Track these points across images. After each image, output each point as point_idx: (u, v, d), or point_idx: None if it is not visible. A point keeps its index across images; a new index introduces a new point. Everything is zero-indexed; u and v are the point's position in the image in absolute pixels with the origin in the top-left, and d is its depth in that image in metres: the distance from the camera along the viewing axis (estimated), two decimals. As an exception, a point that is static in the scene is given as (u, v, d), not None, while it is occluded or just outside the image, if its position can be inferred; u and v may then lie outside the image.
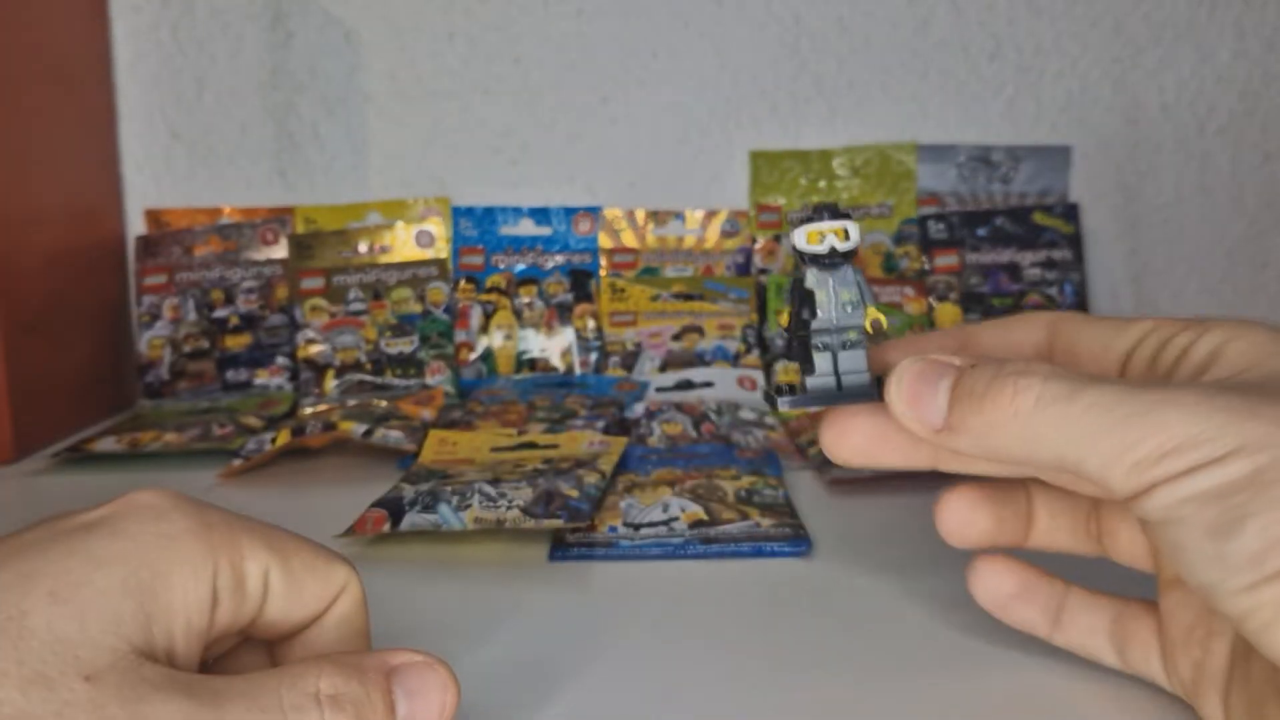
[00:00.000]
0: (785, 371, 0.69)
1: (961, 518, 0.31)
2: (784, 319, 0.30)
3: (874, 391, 0.30)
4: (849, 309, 0.29)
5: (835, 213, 0.29)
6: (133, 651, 0.23)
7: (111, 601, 0.23)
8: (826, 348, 0.29)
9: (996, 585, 0.31)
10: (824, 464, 0.53)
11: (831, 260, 0.29)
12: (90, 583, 0.23)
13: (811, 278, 0.29)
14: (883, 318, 0.29)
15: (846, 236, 0.29)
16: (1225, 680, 0.27)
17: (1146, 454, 0.23)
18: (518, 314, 0.73)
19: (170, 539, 0.24)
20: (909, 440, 0.29)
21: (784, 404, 0.30)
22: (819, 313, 0.29)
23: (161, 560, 0.24)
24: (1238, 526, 0.22)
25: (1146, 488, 0.24)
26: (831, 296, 0.29)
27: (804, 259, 0.29)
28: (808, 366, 0.30)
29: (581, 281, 0.73)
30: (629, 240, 0.75)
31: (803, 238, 0.29)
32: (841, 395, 0.29)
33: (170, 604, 0.24)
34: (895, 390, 0.28)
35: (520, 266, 0.74)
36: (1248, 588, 0.22)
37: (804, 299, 0.29)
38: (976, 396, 0.26)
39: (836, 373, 0.29)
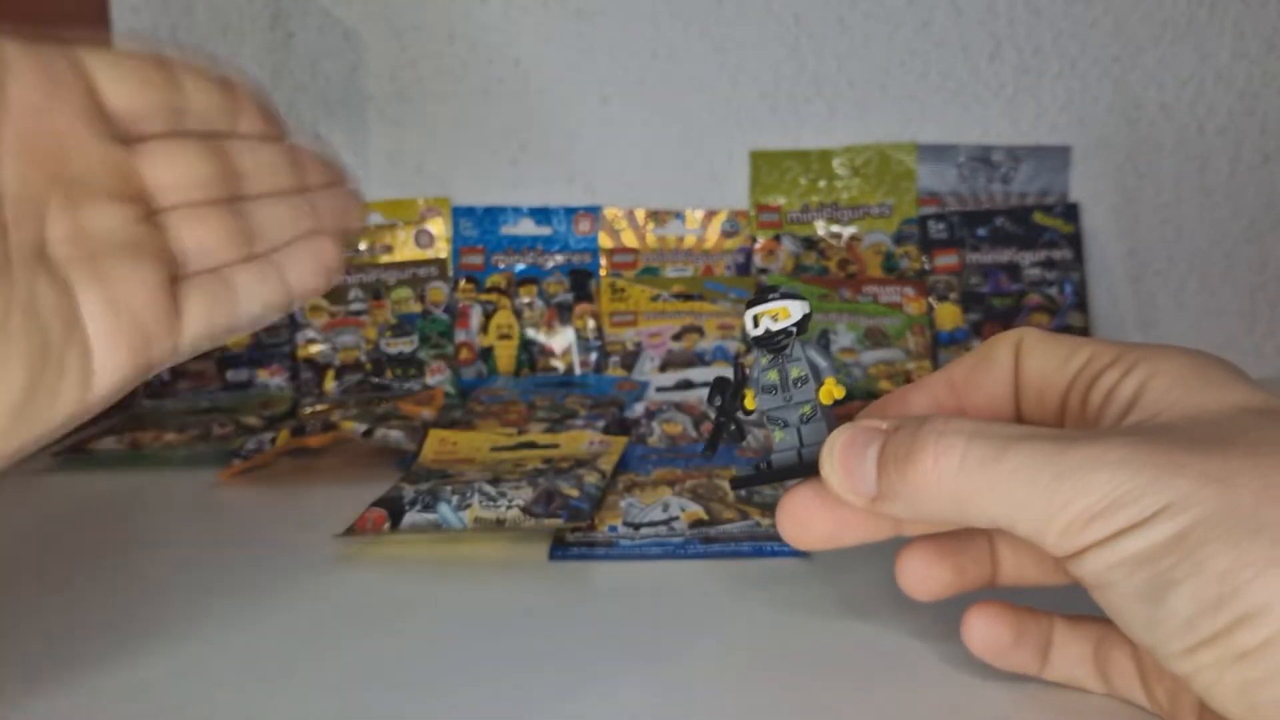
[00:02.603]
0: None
1: (920, 574, 0.30)
2: (748, 401, 0.30)
3: None
4: (800, 386, 0.29)
5: (781, 293, 0.29)
6: None
7: None
8: (787, 424, 0.30)
9: (994, 637, 0.31)
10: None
11: (773, 341, 0.29)
12: None
13: (764, 359, 0.30)
14: (838, 390, 0.29)
15: (786, 316, 0.29)
16: (1199, 705, 0.27)
17: (1074, 517, 0.23)
18: (518, 314, 0.73)
19: None
20: (867, 517, 0.29)
21: (740, 493, 0.30)
22: (774, 393, 0.30)
23: None
24: (1167, 592, 0.22)
25: (1078, 551, 0.24)
26: (783, 375, 0.30)
27: (753, 342, 0.30)
28: (708, 452, 0.30)
29: (581, 281, 0.73)
30: (629, 240, 0.75)
31: (749, 321, 0.30)
32: (801, 468, 0.29)
33: None
34: (828, 464, 0.27)
35: (520, 266, 0.74)
36: (1185, 652, 0.22)
37: (718, 386, 0.30)
38: (899, 461, 0.26)
39: (800, 447, 0.30)
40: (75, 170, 0.25)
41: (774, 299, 0.29)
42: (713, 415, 0.30)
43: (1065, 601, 0.31)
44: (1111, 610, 0.24)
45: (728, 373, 0.31)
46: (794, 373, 0.29)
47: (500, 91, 0.74)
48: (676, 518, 0.45)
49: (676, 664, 0.34)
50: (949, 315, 0.71)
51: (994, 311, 0.71)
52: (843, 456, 0.27)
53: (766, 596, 0.39)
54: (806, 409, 0.29)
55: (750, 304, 0.30)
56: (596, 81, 0.74)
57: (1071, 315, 0.71)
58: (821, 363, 0.29)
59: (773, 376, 0.30)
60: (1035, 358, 0.30)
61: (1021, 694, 0.31)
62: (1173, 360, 0.27)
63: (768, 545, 0.43)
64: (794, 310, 0.29)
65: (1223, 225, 0.75)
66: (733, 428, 0.30)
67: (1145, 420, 0.26)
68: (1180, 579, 0.22)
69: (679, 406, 0.63)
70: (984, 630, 0.31)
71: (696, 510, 0.46)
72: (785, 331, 0.29)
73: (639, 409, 0.63)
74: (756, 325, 0.30)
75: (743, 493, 0.30)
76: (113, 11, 0.73)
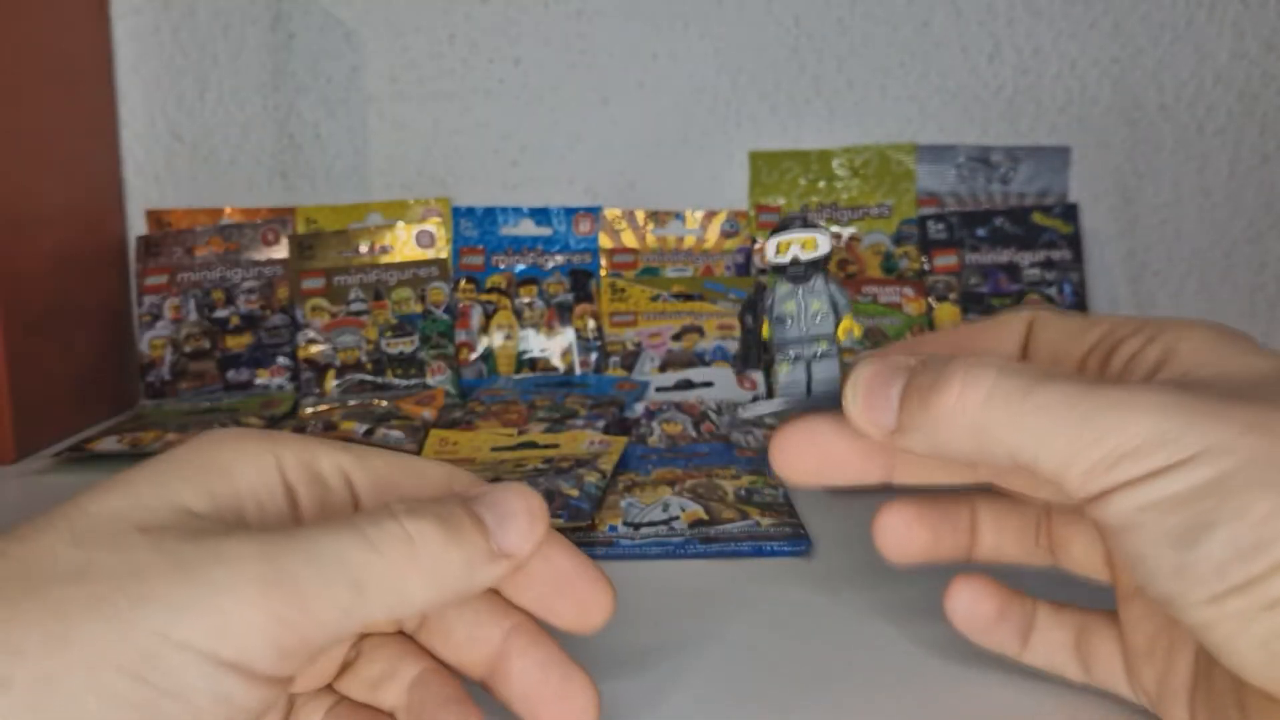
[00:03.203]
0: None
1: (898, 534, 0.30)
2: (764, 330, 0.30)
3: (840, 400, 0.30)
4: (818, 319, 0.29)
5: (805, 223, 0.29)
6: (195, 515, 0.22)
7: (169, 481, 0.23)
8: (799, 359, 0.29)
9: (977, 610, 0.30)
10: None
11: (797, 271, 0.29)
12: (148, 476, 0.23)
13: (782, 289, 0.29)
14: (857, 328, 0.29)
15: (815, 247, 0.29)
16: (1189, 691, 0.27)
17: (1104, 455, 0.22)
18: (518, 314, 0.73)
19: (232, 445, 0.24)
20: (860, 458, 0.29)
21: (744, 410, 0.30)
22: (788, 324, 0.29)
23: (220, 455, 0.24)
24: (1202, 535, 0.21)
25: (1104, 492, 0.23)
26: (801, 307, 0.29)
27: (774, 270, 0.29)
28: (744, 365, 0.30)
29: (582, 281, 0.74)
30: (629, 240, 0.75)
31: (772, 249, 0.29)
32: (809, 401, 0.29)
33: (234, 488, 0.23)
34: (851, 394, 0.27)
35: (520, 267, 0.74)
36: (1211, 599, 0.22)
37: (750, 307, 0.30)
38: (924, 391, 0.25)
39: (809, 382, 0.29)
40: None
41: (804, 229, 0.29)
42: (743, 333, 0.30)
43: (1044, 589, 0.31)
44: (1133, 555, 0.23)
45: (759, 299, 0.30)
46: (814, 306, 0.29)
47: (500, 91, 0.75)
48: (676, 518, 0.45)
49: (676, 664, 0.34)
50: (948, 316, 0.72)
51: (994, 312, 0.71)
52: (867, 387, 0.26)
53: (766, 596, 0.39)
54: (823, 344, 0.29)
55: (777, 230, 0.29)
56: (596, 81, 0.74)
57: (1071, 315, 0.71)
58: (842, 299, 0.29)
59: (790, 308, 0.29)
60: (1050, 330, 0.29)
61: (1024, 696, 0.31)
62: (1197, 329, 0.26)
63: (768, 545, 0.43)
64: (822, 243, 0.29)
65: (1222, 225, 0.75)
66: (763, 353, 0.30)
67: (1177, 376, 0.25)
68: (1217, 523, 0.21)
69: (679, 406, 0.63)
70: (968, 602, 0.30)
71: (696, 510, 0.46)
72: (814, 262, 0.29)
73: (639, 409, 0.63)
74: (781, 253, 0.29)
75: (745, 408, 0.30)
76: (112, 11, 0.73)
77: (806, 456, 0.29)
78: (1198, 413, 0.22)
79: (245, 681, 0.21)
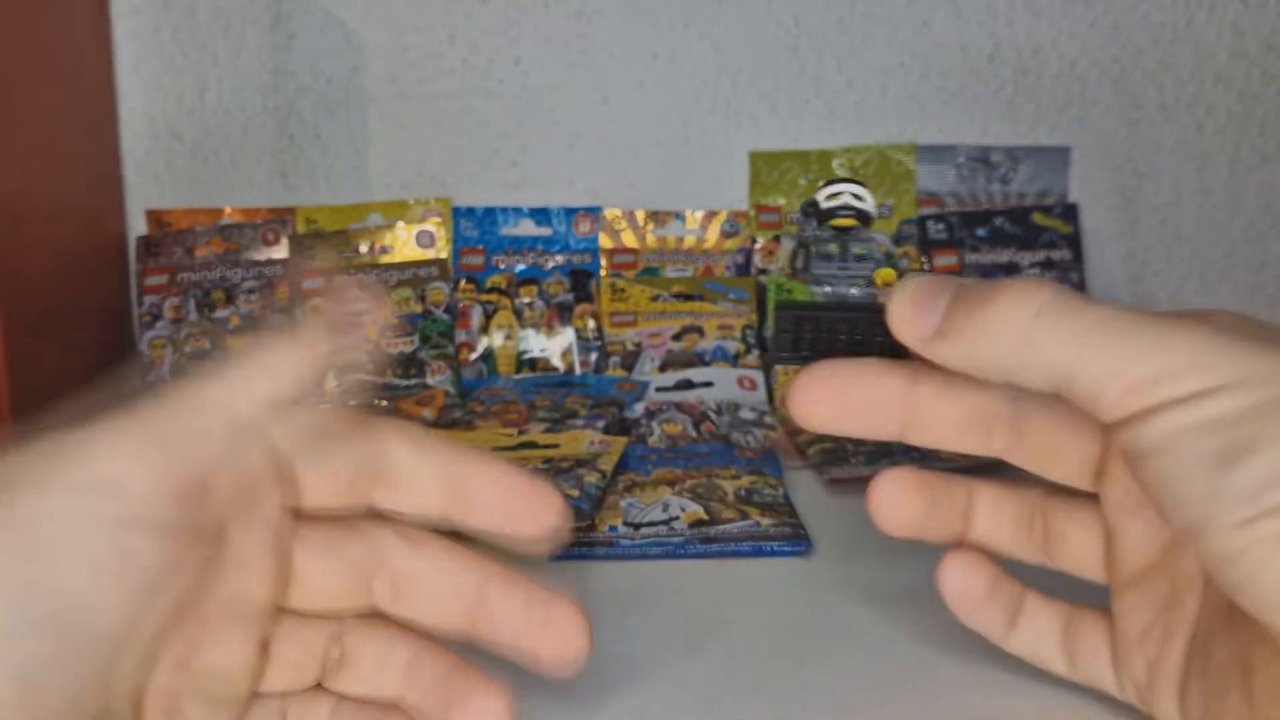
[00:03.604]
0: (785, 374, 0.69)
1: (895, 499, 0.30)
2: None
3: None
4: (859, 262, 0.29)
5: (856, 184, 0.30)
6: None
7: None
8: (835, 290, 0.30)
9: (969, 580, 0.30)
10: (824, 464, 0.53)
11: (849, 213, 0.29)
12: None
13: (827, 232, 0.30)
14: (894, 276, 0.29)
15: (865, 200, 0.30)
16: (1182, 676, 0.27)
17: (1146, 374, 0.23)
18: (518, 314, 0.73)
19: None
20: (880, 407, 0.29)
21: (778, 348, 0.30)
22: (831, 260, 0.30)
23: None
24: (1242, 457, 0.21)
25: (1141, 411, 0.23)
26: (844, 248, 0.30)
27: (824, 215, 0.30)
28: (798, 275, 0.31)
29: (581, 281, 0.74)
30: (629, 240, 0.75)
31: (824, 194, 0.30)
32: (854, 305, 0.29)
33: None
34: (899, 295, 0.27)
35: (520, 267, 0.74)
36: (1242, 523, 0.21)
37: (808, 210, 0.30)
38: (977, 298, 0.25)
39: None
40: None
41: (855, 185, 0.30)
42: (800, 238, 0.30)
43: (1035, 583, 0.31)
44: (1164, 480, 0.23)
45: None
46: (857, 249, 0.29)
47: (500, 91, 0.75)
48: (676, 518, 0.45)
49: (676, 664, 0.34)
50: (948, 315, 0.72)
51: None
52: (916, 289, 0.26)
53: (766, 596, 0.39)
54: (862, 282, 0.29)
55: (830, 182, 0.30)
56: (596, 81, 0.74)
57: (1071, 315, 0.71)
58: (886, 249, 0.30)
59: (833, 248, 0.30)
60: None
61: (1024, 696, 0.31)
62: (1219, 313, 0.26)
63: (768, 545, 0.43)
64: (868, 199, 0.30)
65: (1222, 225, 0.75)
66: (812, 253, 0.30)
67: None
68: (1255, 448, 0.21)
69: (679, 406, 0.63)
70: (960, 576, 0.30)
71: (696, 510, 0.46)
72: (865, 213, 0.29)
73: (639, 409, 0.63)
74: (832, 201, 0.30)
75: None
76: (112, 11, 0.73)
77: (826, 400, 0.29)
78: (1241, 346, 0.22)
79: (145, 536, 0.22)
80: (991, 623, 0.30)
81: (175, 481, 0.23)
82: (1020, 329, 0.24)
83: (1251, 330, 0.25)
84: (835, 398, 0.29)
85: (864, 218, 0.29)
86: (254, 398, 0.25)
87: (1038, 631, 0.30)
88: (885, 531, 0.31)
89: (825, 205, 0.30)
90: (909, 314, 0.26)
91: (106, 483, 0.22)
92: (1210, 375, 0.22)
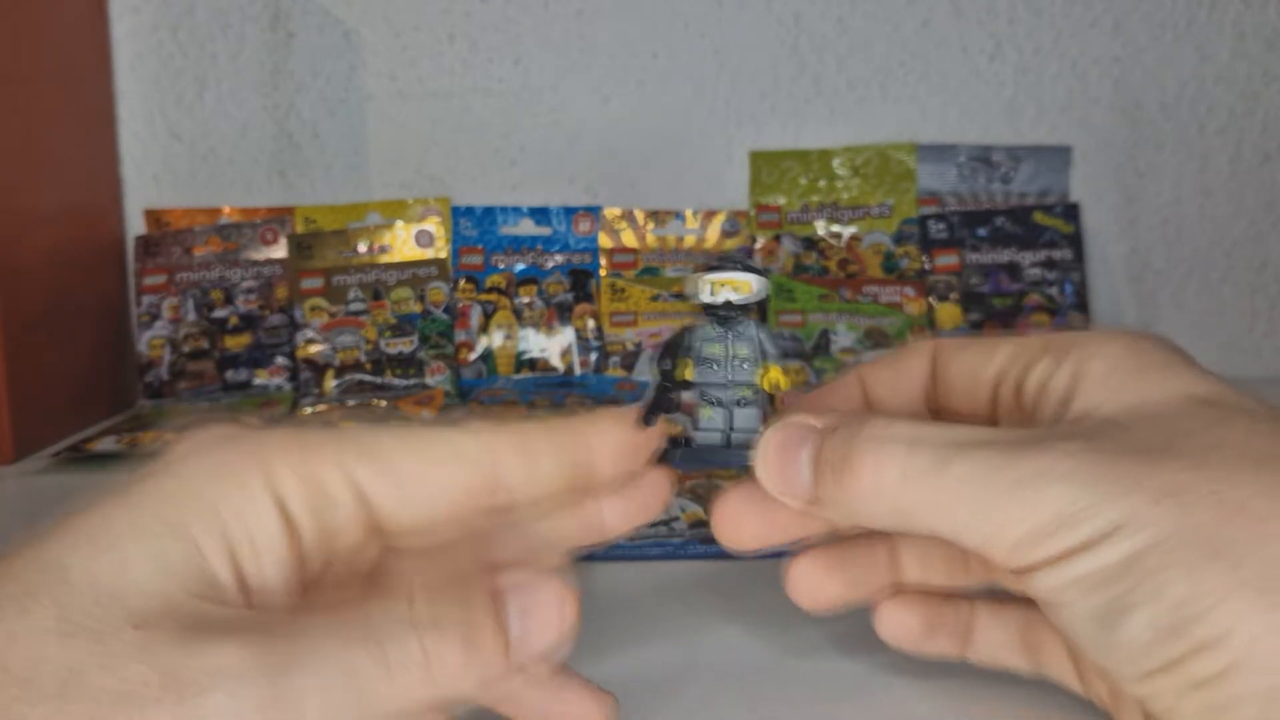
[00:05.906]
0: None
1: (810, 587, 0.29)
2: (686, 371, 0.29)
3: None
4: (744, 366, 0.28)
5: (744, 266, 0.28)
6: (189, 595, 0.21)
7: (159, 544, 0.21)
8: (720, 404, 0.28)
9: (903, 627, 0.30)
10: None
11: (727, 313, 0.28)
12: (134, 528, 0.21)
13: (709, 331, 0.28)
14: (782, 379, 0.28)
15: (748, 291, 0.28)
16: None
17: (1025, 534, 0.22)
18: (518, 314, 0.73)
19: (218, 467, 0.22)
20: (800, 518, 0.27)
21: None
22: (713, 367, 0.28)
23: (209, 492, 0.22)
24: (1122, 617, 0.21)
25: (1029, 568, 0.23)
26: (727, 351, 0.28)
27: (702, 310, 0.28)
28: (651, 418, 0.28)
29: (581, 281, 0.73)
30: (629, 240, 0.75)
31: (706, 287, 0.28)
32: (727, 451, 0.28)
33: (228, 536, 0.22)
34: (761, 464, 0.26)
35: (520, 266, 0.74)
36: (1141, 677, 0.22)
37: (670, 349, 0.29)
38: (836, 468, 0.24)
39: (729, 430, 0.28)
40: None
41: (739, 270, 0.28)
42: (658, 378, 0.28)
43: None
44: (1066, 630, 0.23)
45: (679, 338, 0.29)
46: (740, 351, 0.28)
47: (500, 91, 0.74)
48: (676, 518, 0.45)
49: (676, 665, 0.33)
50: (949, 315, 0.71)
51: (994, 311, 0.71)
52: (776, 458, 0.26)
53: (766, 597, 0.39)
54: (746, 391, 0.28)
55: (711, 268, 0.28)
56: (596, 81, 0.74)
57: (1072, 315, 0.71)
58: (771, 348, 0.28)
59: (715, 350, 0.28)
60: (956, 360, 0.29)
61: (1025, 697, 0.31)
62: (1107, 346, 0.25)
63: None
64: (756, 287, 0.28)
65: (1223, 225, 0.75)
66: (678, 400, 0.28)
67: (1087, 413, 0.25)
68: (1136, 604, 0.21)
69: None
70: (894, 625, 0.30)
71: (696, 510, 0.45)
72: (745, 307, 0.28)
73: (639, 409, 0.63)
74: (712, 294, 0.28)
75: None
76: (112, 11, 0.73)
77: (749, 524, 0.28)
78: (1109, 482, 0.22)
79: None
80: (943, 649, 0.30)
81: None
82: (889, 499, 0.24)
83: (1130, 381, 0.24)
84: (759, 519, 0.28)
85: (749, 306, 0.28)
86: (404, 704, 0.22)
87: (994, 644, 0.30)
88: (809, 610, 0.30)
89: (704, 300, 0.28)
90: (779, 485, 0.26)
91: None
92: (1082, 530, 0.22)
